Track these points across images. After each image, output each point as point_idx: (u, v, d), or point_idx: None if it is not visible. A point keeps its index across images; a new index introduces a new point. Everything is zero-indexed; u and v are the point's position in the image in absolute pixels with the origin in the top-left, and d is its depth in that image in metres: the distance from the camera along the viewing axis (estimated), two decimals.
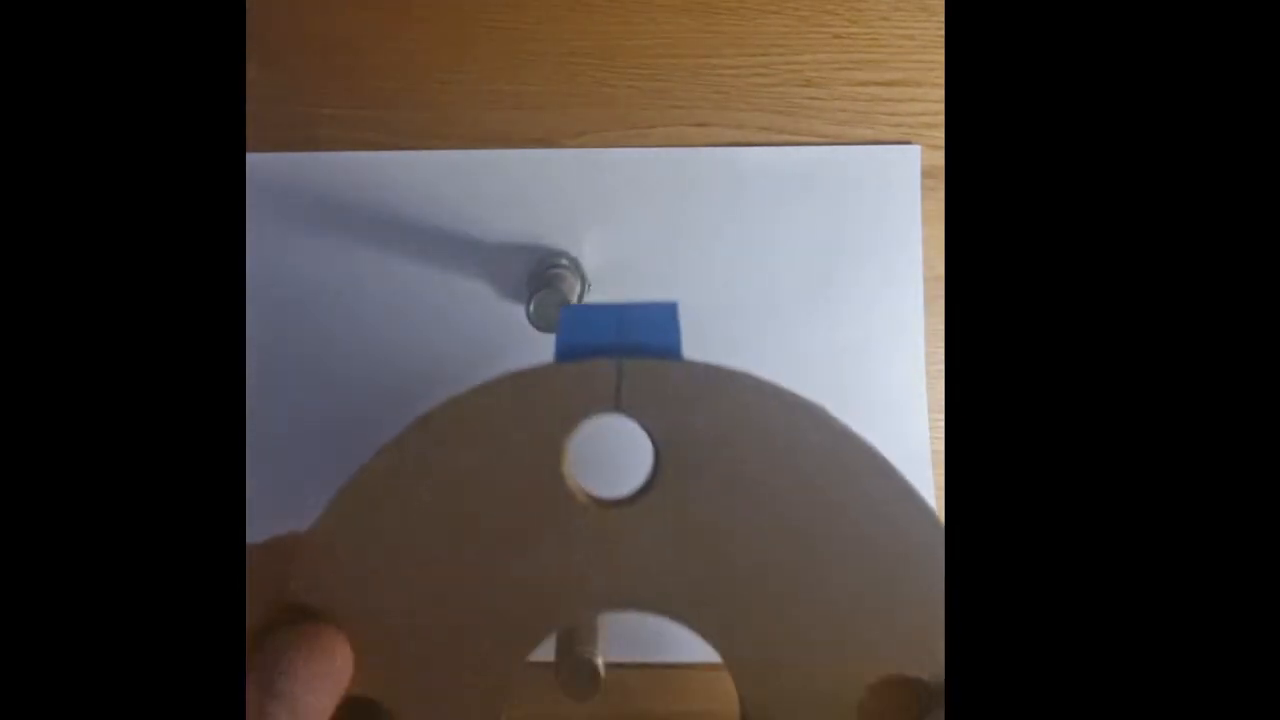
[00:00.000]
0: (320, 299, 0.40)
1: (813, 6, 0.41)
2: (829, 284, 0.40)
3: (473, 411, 0.16)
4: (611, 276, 0.40)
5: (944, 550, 0.16)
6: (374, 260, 0.40)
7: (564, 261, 0.39)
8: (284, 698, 0.15)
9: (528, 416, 0.16)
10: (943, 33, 0.41)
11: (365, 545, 0.16)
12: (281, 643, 0.16)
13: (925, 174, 0.40)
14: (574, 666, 0.30)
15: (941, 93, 0.41)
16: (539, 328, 0.35)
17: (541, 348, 0.36)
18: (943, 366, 0.40)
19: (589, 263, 0.40)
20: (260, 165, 0.40)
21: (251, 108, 0.40)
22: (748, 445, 0.16)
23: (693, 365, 0.16)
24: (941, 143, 0.41)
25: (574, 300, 0.37)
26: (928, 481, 0.40)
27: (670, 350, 0.16)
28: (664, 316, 0.17)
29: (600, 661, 0.30)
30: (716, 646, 0.17)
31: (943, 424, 0.40)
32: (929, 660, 0.16)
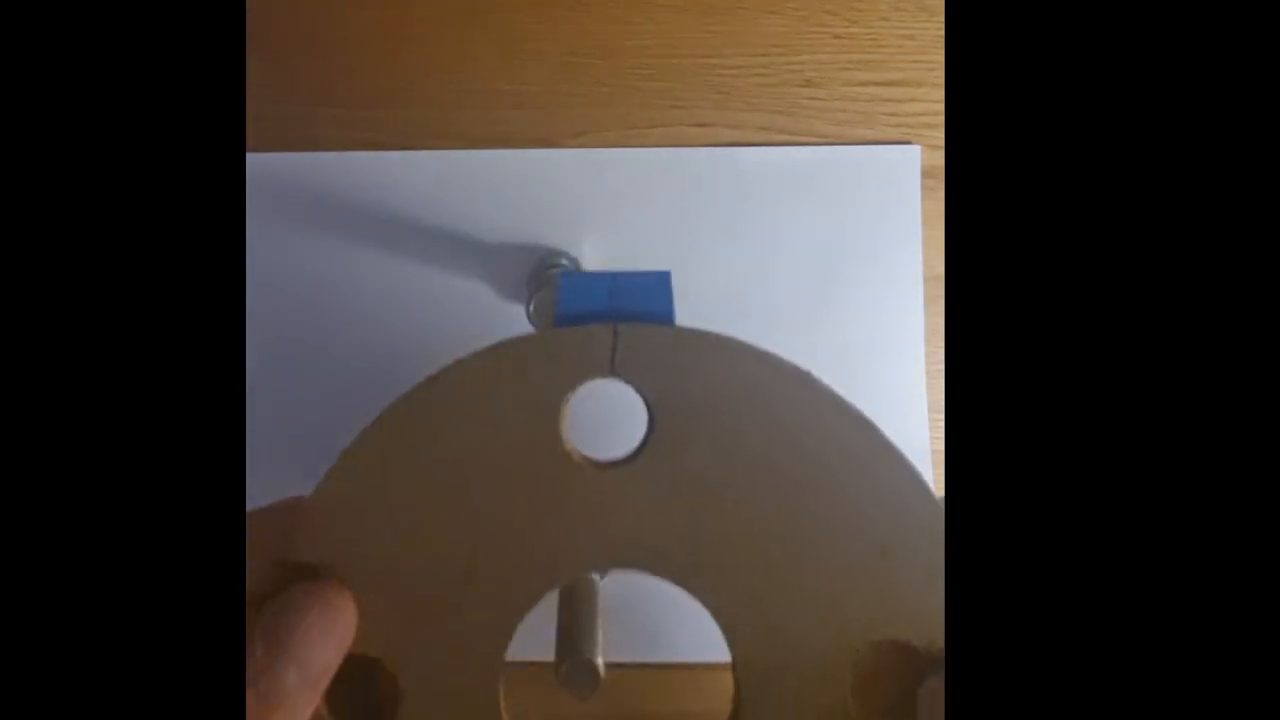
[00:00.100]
0: (320, 299, 0.40)
1: (813, 6, 0.41)
2: (829, 284, 0.40)
3: (473, 375, 0.17)
4: None
5: (935, 514, 0.17)
6: (374, 260, 0.40)
7: (564, 261, 0.39)
8: (292, 655, 0.15)
9: (526, 380, 0.17)
10: (943, 33, 0.41)
11: (368, 505, 0.17)
12: (289, 601, 0.16)
13: (925, 174, 0.40)
14: (574, 666, 0.30)
15: (941, 93, 0.41)
16: (539, 328, 0.35)
17: None
18: (943, 366, 0.40)
19: (589, 263, 0.40)
20: (260, 165, 0.40)
21: (251, 108, 0.40)
22: (740, 407, 0.16)
23: (685, 330, 0.17)
24: (941, 143, 0.41)
25: None
26: (928, 481, 0.40)
27: (664, 316, 0.17)
28: (658, 284, 0.18)
29: (600, 661, 0.30)
30: (711, 608, 0.17)
31: (943, 424, 0.40)
32: (926, 625, 0.17)
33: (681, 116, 0.41)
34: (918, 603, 0.17)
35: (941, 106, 0.41)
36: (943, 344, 0.40)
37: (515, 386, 0.17)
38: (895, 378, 0.40)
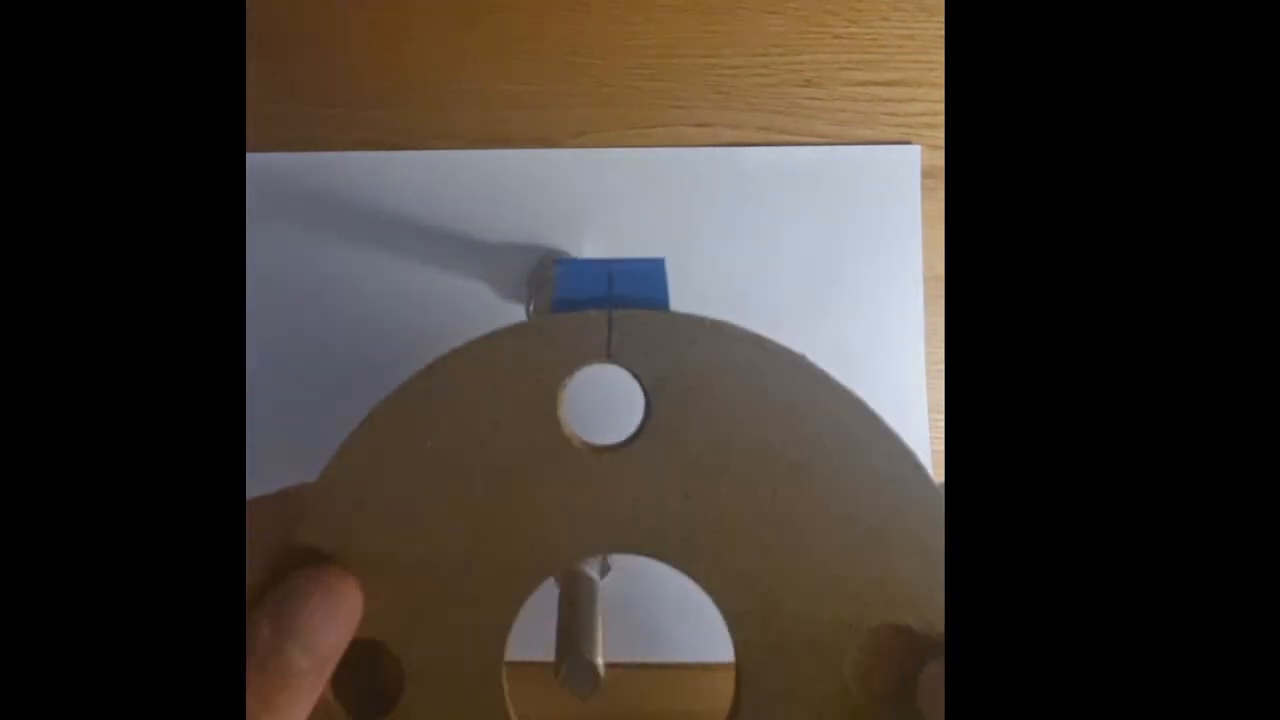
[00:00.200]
0: (320, 299, 0.40)
1: (813, 6, 0.41)
2: (829, 284, 0.40)
3: (471, 362, 0.17)
4: None
5: (933, 498, 0.17)
6: (374, 260, 0.40)
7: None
8: (300, 639, 0.15)
9: (524, 365, 0.17)
10: (943, 33, 0.41)
11: (370, 492, 0.17)
12: (294, 586, 0.16)
13: (925, 174, 0.40)
14: (574, 666, 0.30)
15: (941, 93, 0.41)
16: None
17: None
18: (943, 366, 0.40)
19: None
20: (260, 165, 0.40)
21: (252, 108, 0.40)
22: (736, 391, 0.17)
23: (680, 315, 0.17)
24: (941, 143, 0.41)
25: None
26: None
27: (659, 302, 0.17)
28: (653, 271, 0.18)
29: (600, 661, 0.30)
30: (709, 591, 0.17)
31: (943, 424, 0.40)
32: (925, 609, 0.17)
33: (681, 116, 0.41)
34: (916, 586, 0.17)
35: (941, 106, 0.41)
36: (943, 344, 0.40)
37: (513, 372, 0.17)
38: (895, 378, 0.40)
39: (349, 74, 0.41)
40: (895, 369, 0.40)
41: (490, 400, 0.17)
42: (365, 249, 0.40)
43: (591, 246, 0.40)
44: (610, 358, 0.17)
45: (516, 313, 0.40)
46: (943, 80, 0.41)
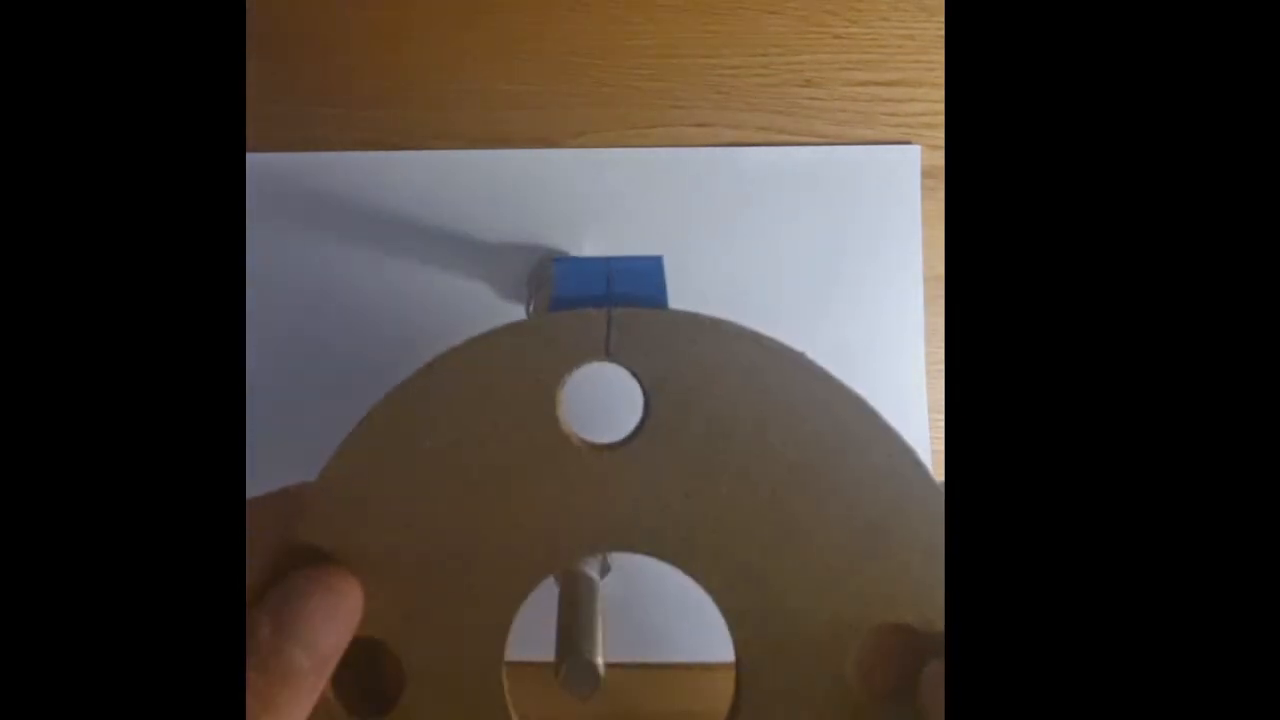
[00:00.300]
0: (320, 299, 0.40)
1: (813, 6, 0.41)
2: (829, 284, 0.40)
3: (471, 360, 0.17)
4: None
5: (934, 496, 0.17)
6: (374, 260, 0.40)
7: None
8: (300, 638, 0.15)
9: (523, 364, 0.17)
10: (943, 33, 0.41)
11: (370, 490, 0.17)
12: (294, 585, 0.16)
13: (925, 174, 0.40)
14: (574, 666, 0.30)
15: (941, 93, 0.41)
16: None
17: None
18: (943, 366, 0.40)
19: None
20: (260, 165, 0.40)
21: (252, 108, 0.40)
22: (735, 389, 0.17)
23: (679, 313, 0.17)
24: (941, 143, 0.41)
25: None
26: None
27: (657, 300, 0.17)
28: (651, 269, 0.18)
29: (600, 661, 0.30)
30: (709, 590, 0.17)
31: (943, 424, 0.40)
32: (925, 607, 0.17)
33: (681, 116, 0.41)
34: (917, 584, 0.17)
35: (941, 106, 0.41)
36: (943, 344, 0.40)
37: (512, 371, 0.17)
38: (895, 378, 0.40)
39: (349, 74, 0.41)
40: (895, 369, 0.40)
41: (489, 399, 0.17)
42: (365, 249, 0.40)
43: (591, 246, 0.40)
44: (609, 356, 0.17)
45: (516, 313, 0.40)
46: (943, 80, 0.41)
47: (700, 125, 0.41)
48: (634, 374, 0.17)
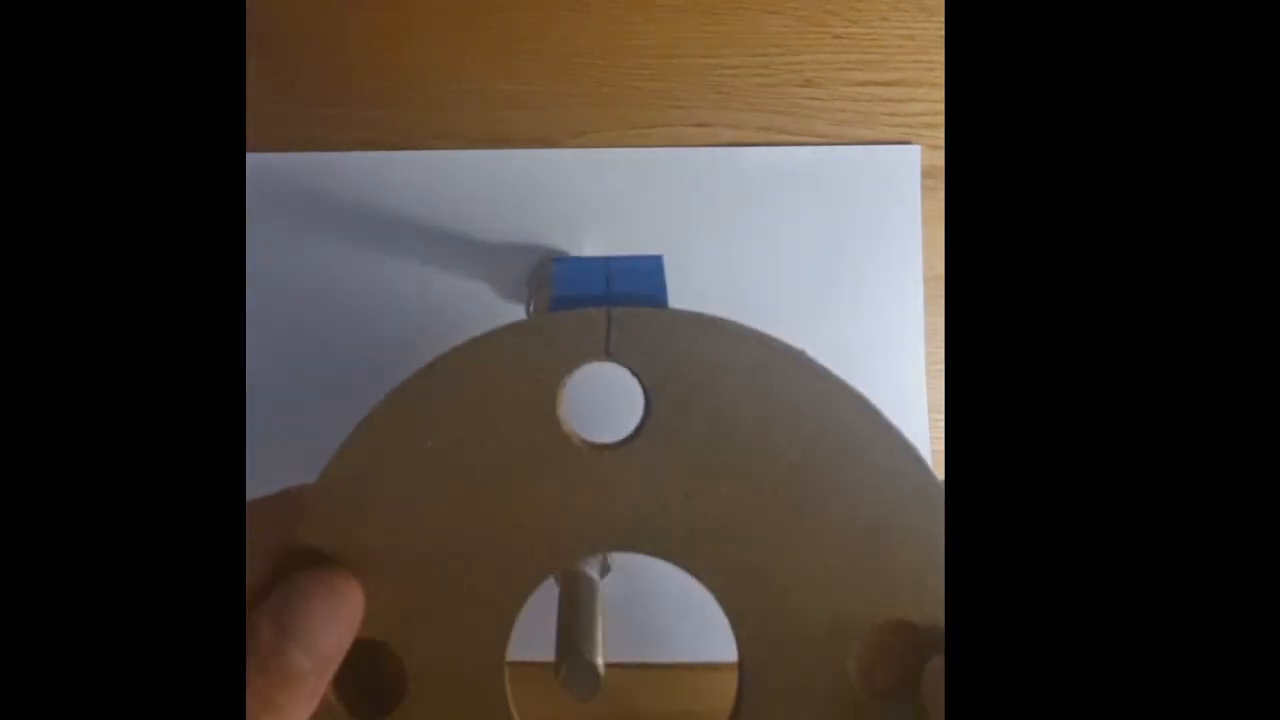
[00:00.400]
0: (320, 299, 0.40)
1: (813, 6, 0.41)
2: (829, 284, 0.40)
3: (472, 360, 0.17)
4: None
5: (935, 494, 0.17)
6: (374, 260, 0.40)
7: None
8: (301, 639, 0.15)
9: (524, 364, 0.17)
10: (943, 33, 0.41)
11: (370, 491, 0.17)
12: (295, 587, 0.16)
13: (925, 174, 0.40)
14: (574, 666, 0.30)
15: (941, 93, 0.41)
16: None
17: None
18: (943, 366, 0.40)
19: None
20: (260, 165, 0.40)
21: (252, 108, 0.40)
22: (735, 388, 0.17)
23: (679, 312, 0.17)
24: (941, 143, 0.41)
25: None
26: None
27: (657, 300, 0.17)
28: (651, 268, 0.18)
29: (600, 661, 0.30)
30: (711, 588, 0.17)
31: (943, 424, 0.40)
32: (927, 605, 0.17)
33: (681, 116, 0.41)
34: (919, 582, 0.17)
35: (941, 106, 0.41)
36: (943, 344, 0.40)
37: (512, 371, 0.17)
38: (895, 378, 0.40)
39: (349, 74, 0.41)
40: (895, 369, 0.40)
41: (490, 399, 0.17)
42: (365, 249, 0.40)
43: (591, 246, 0.40)
44: (609, 356, 0.17)
45: (516, 313, 0.40)
46: (943, 80, 0.41)
47: (700, 125, 0.41)
48: (634, 374, 0.17)
